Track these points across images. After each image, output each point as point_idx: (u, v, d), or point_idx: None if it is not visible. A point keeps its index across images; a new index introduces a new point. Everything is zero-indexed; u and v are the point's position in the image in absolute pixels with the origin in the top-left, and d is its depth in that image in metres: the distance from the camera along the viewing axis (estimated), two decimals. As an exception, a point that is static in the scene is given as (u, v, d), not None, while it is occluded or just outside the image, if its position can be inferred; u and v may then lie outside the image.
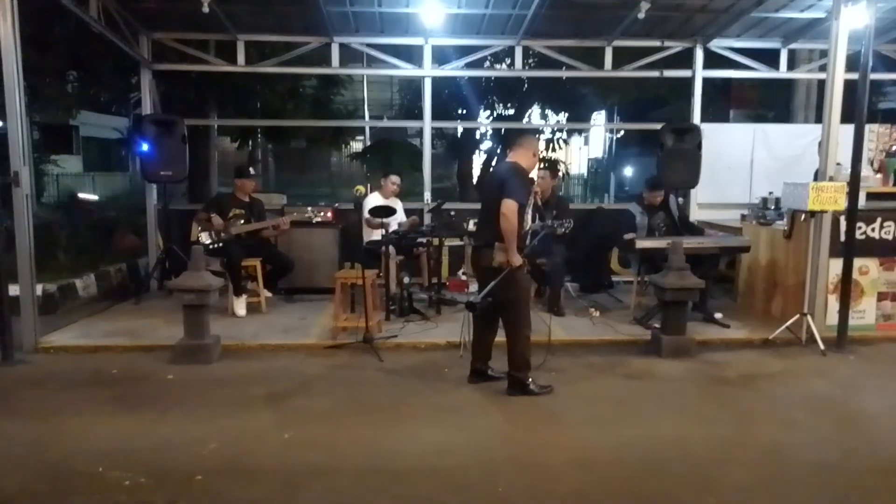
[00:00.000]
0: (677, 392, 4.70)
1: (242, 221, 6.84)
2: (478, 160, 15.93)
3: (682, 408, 4.40)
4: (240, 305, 6.66)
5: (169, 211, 7.88)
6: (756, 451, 3.71)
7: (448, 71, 8.66)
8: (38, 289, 5.90)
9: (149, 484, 3.31)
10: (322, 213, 7.27)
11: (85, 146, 21.23)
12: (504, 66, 11.41)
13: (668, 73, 8.60)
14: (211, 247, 6.52)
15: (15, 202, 5.37)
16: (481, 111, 13.97)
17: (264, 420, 4.16)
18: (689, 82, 8.45)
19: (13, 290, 5.39)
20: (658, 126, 7.92)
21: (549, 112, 14.99)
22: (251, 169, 7.35)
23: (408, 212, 7.52)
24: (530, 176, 4.68)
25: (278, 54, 8.27)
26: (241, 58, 8.04)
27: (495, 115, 14.23)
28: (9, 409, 4.36)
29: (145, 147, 7.35)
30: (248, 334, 5.93)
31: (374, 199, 7.09)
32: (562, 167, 15.72)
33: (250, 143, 15.63)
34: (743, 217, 7.43)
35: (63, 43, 9.18)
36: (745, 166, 8.48)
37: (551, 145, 14.45)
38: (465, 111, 13.38)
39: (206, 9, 6.41)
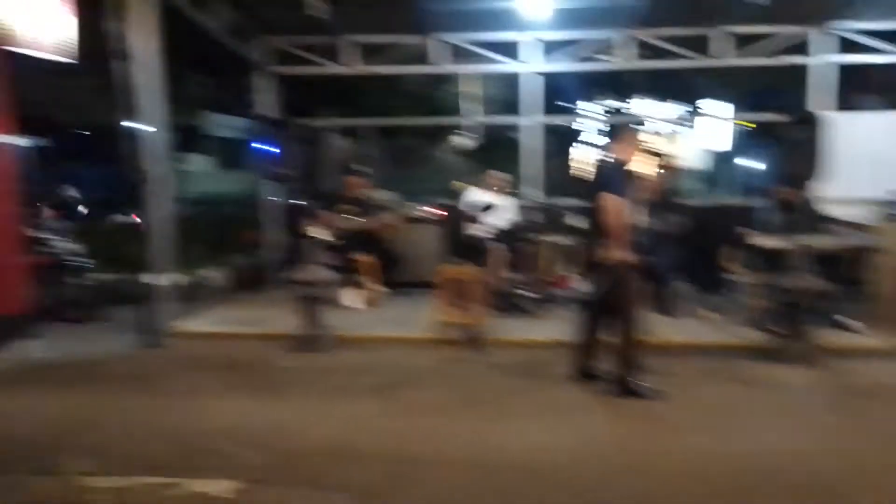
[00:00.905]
0: (800, 402, 4.44)
1: (353, 217, 7.10)
2: (581, 154, 15.65)
3: (805, 419, 4.15)
4: (352, 298, 6.94)
5: (286, 207, 8.32)
6: (893, 472, 3.43)
7: (551, 65, 8.56)
8: (175, 279, 6.40)
9: (267, 462, 3.54)
10: (428, 209, 7.40)
11: (210, 146, 22.71)
12: (612, 57, 11.12)
13: (789, 60, 8.06)
14: (324, 242, 6.82)
15: (154, 199, 5.88)
16: (586, 104, 13.71)
17: (374, 408, 4.33)
18: (813, 69, 7.89)
19: (157, 279, 5.91)
20: (779, 116, 7.47)
21: (658, 103, 14.48)
22: (361, 166, 7.61)
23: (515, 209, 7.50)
24: (636, 171, 4.56)
25: (382, 54, 8.49)
26: (349, 59, 8.33)
27: (600, 108, 13.92)
28: (150, 388, 4.81)
29: (264, 146, 7.79)
30: (360, 326, 6.16)
31: (474, 195, 7.14)
32: (673, 161, 15.10)
33: (361, 140, 16.17)
34: (889, 216, 6.80)
35: (188, 48, 9.88)
36: (882, 159, 7.79)
37: (662, 138, 13.94)
38: (567, 105, 13.17)
39: (324, 15, 6.68)
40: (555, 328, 5.76)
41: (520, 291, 6.87)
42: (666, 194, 6.93)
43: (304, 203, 8.15)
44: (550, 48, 8.42)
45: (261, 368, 5.21)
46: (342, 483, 3.33)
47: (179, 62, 10.32)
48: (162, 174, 5.92)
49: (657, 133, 14.10)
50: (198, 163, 20.75)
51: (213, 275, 8.06)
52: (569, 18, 7.63)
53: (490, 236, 6.39)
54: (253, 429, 4.00)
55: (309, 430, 3.98)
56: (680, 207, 6.86)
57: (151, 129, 5.82)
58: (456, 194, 6.28)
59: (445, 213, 7.76)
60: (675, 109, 14.22)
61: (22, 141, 6.40)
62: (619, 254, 4.24)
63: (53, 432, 4.00)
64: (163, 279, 5.96)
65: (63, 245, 6.71)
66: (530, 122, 8.48)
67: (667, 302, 6.49)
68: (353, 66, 8.40)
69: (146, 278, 5.89)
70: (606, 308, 4.48)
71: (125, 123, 5.84)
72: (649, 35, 7.99)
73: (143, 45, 5.72)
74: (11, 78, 5.87)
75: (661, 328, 5.46)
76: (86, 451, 3.69)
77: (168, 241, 5.99)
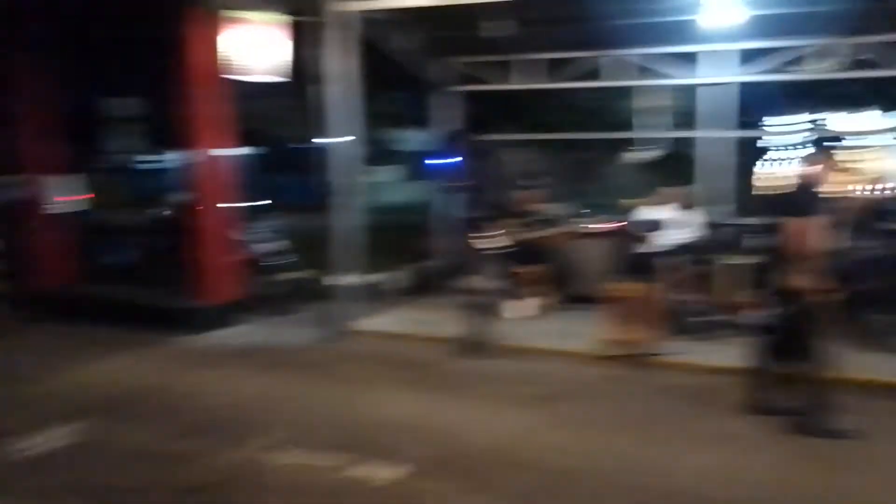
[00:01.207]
0: None
1: (524, 229, 7.21)
2: (769, 171, 14.45)
3: None
4: (519, 309, 7.04)
5: (460, 217, 8.65)
6: None
7: (736, 77, 8.05)
8: (358, 281, 6.92)
9: (430, 455, 3.74)
10: (600, 224, 7.31)
11: (395, 159, 24.19)
12: (809, 66, 10.19)
13: None
14: (494, 252, 6.99)
15: (342, 207, 6.43)
16: (777, 117, 12.67)
17: (534, 418, 4.38)
18: None
19: (341, 280, 6.47)
20: None
21: (864, 116, 12.97)
22: (534, 180, 7.72)
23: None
24: (832, 190, 4.18)
25: (559, 70, 8.54)
26: (526, 76, 8.48)
27: (793, 121, 12.78)
28: (330, 377, 5.31)
29: (442, 160, 8.19)
30: (524, 336, 6.22)
31: (648, 210, 6.90)
32: (880, 179, 13.48)
33: (535, 154, 16.32)
34: None
35: (377, 69, 10.67)
36: None
37: (866, 155, 12.48)
38: (755, 118, 12.24)
39: (502, 34, 6.91)
40: (730, 355, 5.39)
41: (694, 313, 6.54)
42: (871, 216, 6.24)
43: (478, 214, 8.42)
44: (737, 59, 7.95)
45: (429, 368, 5.49)
46: (499, 486, 3.42)
47: (370, 82, 11.21)
48: (351, 184, 6.49)
49: (860, 149, 12.66)
50: (382, 174, 22.18)
51: (391, 278, 8.58)
52: (761, 27, 7.16)
53: (664, 254, 6.15)
54: (419, 423, 4.24)
55: (471, 432, 4.13)
56: (888, 231, 6.13)
57: (346, 142, 6.42)
58: (628, 210, 6.15)
59: (618, 229, 7.61)
60: (885, 123, 12.65)
61: (240, 152, 7.32)
62: (804, 280, 3.91)
63: (246, 407, 4.56)
64: (347, 280, 6.50)
65: (268, 245, 7.56)
66: (711, 136, 8.06)
67: (867, 335, 5.82)
68: (529, 83, 8.55)
69: (332, 279, 6.47)
70: (789, 337, 4.14)
71: (319, 138, 6.50)
72: (855, 42, 7.23)
73: (342, 68, 6.37)
74: (234, 98, 6.80)
75: (857, 364, 4.90)
76: (271, 426, 4.16)
77: (353, 245, 6.52)
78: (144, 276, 7.58)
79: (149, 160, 14.51)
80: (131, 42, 7.38)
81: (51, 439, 3.87)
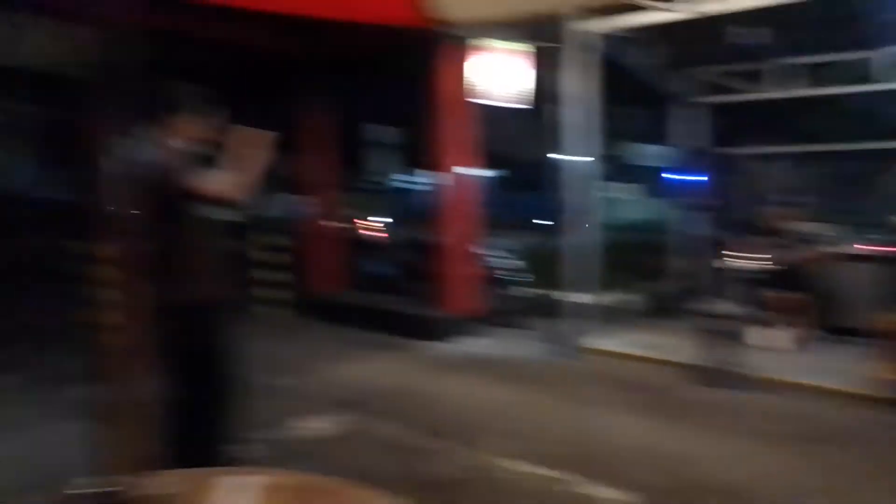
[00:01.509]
0: None
1: (779, 251, 6.59)
2: None
3: None
4: (769, 338, 6.43)
5: (703, 237, 8.18)
6: None
7: None
8: (592, 299, 6.93)
9: (663, 486, 3.63)
10: (873, 245, 6.41)
11: (634, 175, 23.56)
12: None
13: None
14: (741, 275, 6.50)
15: (580, 226, 6.52)
16: None
17: (782, 459, 4.02)
18: None
19: (575, 298, 6.54)
20: None
21: None
22: (789, 196, 7.02)
23: None
24: None
25: (821, 73, 7.65)
26: (781, 82, 7.75)
27: None
28: (560, 392, 5.39)
29: (685, 176, 7.84)
30: (774, 368, 5.66)
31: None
32: None
33: (794, 167, 14.74)
34: None
35: (615, 85, 10.54)
36: None
37: None
38: None
39: (767, 37, 6.46)
40: None
41: None
42: None
43: (725, 234, 7.91)
44: None
45: (664, 394, 5.29)
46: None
47: (608, 98, 11.12)
48: (587, 202, 6.54)
49: None
50: (620, 191, 21.75)
51: (625, 298, 8.40)
52: None
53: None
54: (651, 449, 4.13)
55: (707, 465, 3.91)
56: None
57: (584, 161, 6.50)
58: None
59: (894, 251, 6.60)
60: None
61: (483, 172, 7.79)
62: None
63: (481, 413, 4.85)
64: (581, 298, 6.54)
65: (506, 261, 7.92)
66: None
67: None
68: (786, 90, 7.82)
69: (566, 296, 6.55)
70: None
71: (556, 158, 6.65)
72: None
73: (581, 89, 6.49)
74: (478, 122, 7.28)
75: None
76: (503, 434, 4.37)
77: (588, 263, 6.55)
78: (398, 287, 8.41)
79: (405, 180, 16.11)
80: (390, 74, 8.32)
81: (320, 426, 4.50)
